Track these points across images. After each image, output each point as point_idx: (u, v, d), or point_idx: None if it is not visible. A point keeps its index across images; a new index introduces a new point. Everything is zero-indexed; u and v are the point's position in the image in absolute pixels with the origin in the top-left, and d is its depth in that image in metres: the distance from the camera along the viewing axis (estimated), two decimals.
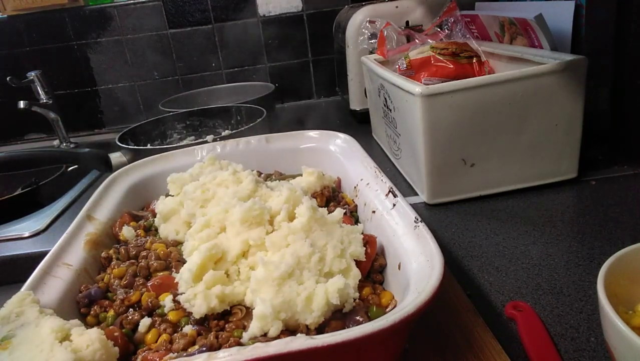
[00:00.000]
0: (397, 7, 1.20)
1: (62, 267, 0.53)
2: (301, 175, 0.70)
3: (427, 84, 0.75)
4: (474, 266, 0.64)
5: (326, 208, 0.61)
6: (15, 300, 0.45)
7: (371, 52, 1.10)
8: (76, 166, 1.26)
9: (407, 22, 1.20)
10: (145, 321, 0.48)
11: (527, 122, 0.77)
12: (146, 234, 0.64)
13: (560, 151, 0.79)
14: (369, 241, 0.54)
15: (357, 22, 1.19)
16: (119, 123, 1.68)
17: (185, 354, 0.42)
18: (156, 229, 0.64)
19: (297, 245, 0.50)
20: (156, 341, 0.46)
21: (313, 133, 0.80)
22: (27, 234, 0.92)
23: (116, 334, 0.46)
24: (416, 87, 0.74)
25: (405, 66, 0.96)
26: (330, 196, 0.68)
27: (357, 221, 0.61)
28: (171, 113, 1.28)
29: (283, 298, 0.44)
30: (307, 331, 0.44)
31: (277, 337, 0.42)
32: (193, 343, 0.45)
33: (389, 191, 0.57)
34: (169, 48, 1.60)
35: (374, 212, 0.58)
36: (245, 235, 0.53)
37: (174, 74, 1.64)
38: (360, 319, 0.45)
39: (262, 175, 0.75)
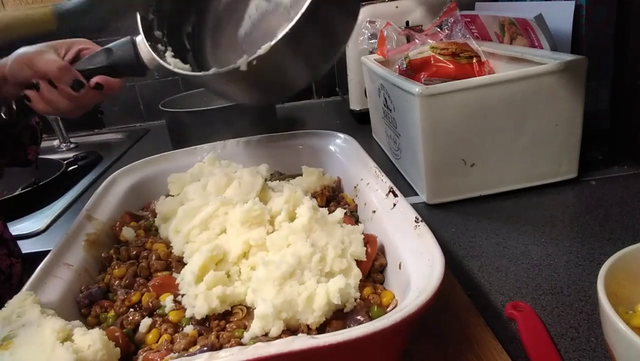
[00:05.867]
0: (397, 7, 1.20)
1: (62, 267, 0.53)
2: (301, 175, 0.70)
3: (427, 84, 0.75)
4: (474, 266, 0.64)
5: (326, 208, 0.61)
6: (16, 300, 0.45)
7: (371, 52, 1.10)
8: (76, 166, 1.26)
9: (407, 22, 1.20)
10: (146, 322, 0.48)
11: (527, 122, 0.77)
12: (146, 234, 0.64)
13: (560, 151, 0.79)
14: (369, 241, 0.54)
15: (357, 22, 1.18)
16: (119, 123, 1.68)
17: (186, 354, 0.42)
18: (156, 229, 0.64)
19: (298, 245, 0.50)
20: (157, 342, 0.46)
21: (313, 133, 0.80)
22: (27, 234, 0.91)
23: (117, 334, 0.46)
24: (416, 87, 0.74)
25: (405, 66, 0.96)
26: (331, 196, 0.68)
27: (357, 221, 0.61)
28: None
29: (284, 297, 0.44)
30: (308, 331, 0.44)
31: (279, 337, 0.42)
32: (194, 343, 0.45)
33: (389, 191, 0.57)
34: None
35: (374, 212, 0.58)
36: (245, 235, 0.53)
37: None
38: (362, 319, 0.45)
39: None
